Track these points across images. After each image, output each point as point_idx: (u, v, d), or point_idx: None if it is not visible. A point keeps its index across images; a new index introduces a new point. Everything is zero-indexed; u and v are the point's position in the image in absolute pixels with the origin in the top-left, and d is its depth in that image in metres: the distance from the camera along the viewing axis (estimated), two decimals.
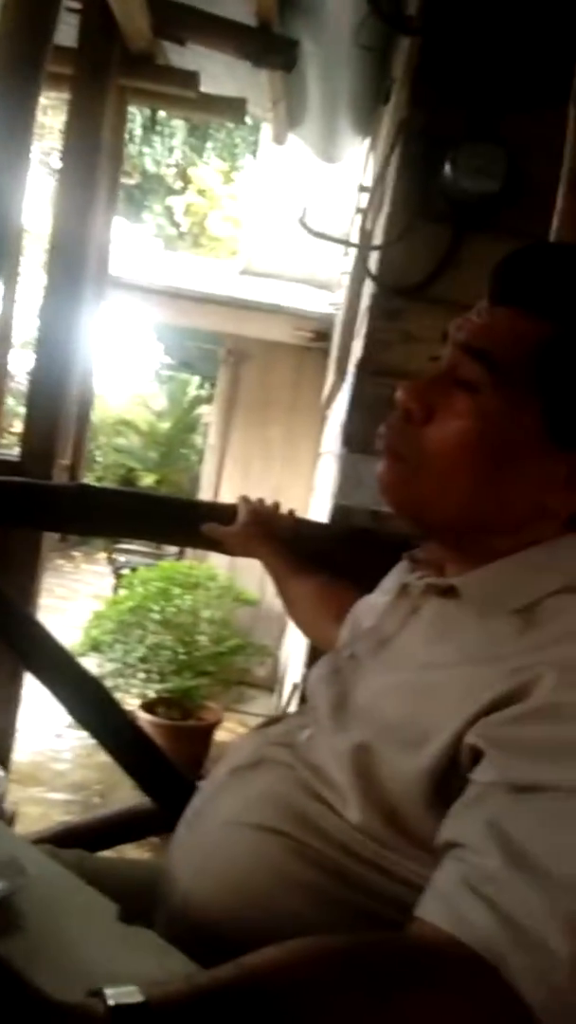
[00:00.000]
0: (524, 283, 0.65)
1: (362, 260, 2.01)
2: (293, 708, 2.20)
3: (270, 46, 2.28)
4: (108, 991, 0.42)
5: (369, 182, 2.30)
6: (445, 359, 0.69)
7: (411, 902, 0.53)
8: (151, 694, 3.42)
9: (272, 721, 0.84)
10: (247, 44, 2.28)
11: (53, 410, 2.35)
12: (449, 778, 0.58)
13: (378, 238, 1.87)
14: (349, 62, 2.20)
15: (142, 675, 3.33)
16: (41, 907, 0.61)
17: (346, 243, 2.06)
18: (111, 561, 6.60)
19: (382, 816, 0.62)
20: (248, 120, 3.11)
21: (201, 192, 11.27)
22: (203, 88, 2.63)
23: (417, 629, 0.72)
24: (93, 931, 0.59)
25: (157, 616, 3.41)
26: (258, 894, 0.65)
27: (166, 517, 1.49)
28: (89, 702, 1.58)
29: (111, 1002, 0.41)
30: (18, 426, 3.37)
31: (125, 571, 5.37)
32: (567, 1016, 0.47)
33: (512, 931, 0.47)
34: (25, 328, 5.35)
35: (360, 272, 2.18)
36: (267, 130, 3.39)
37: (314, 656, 1.21)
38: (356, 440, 1.78)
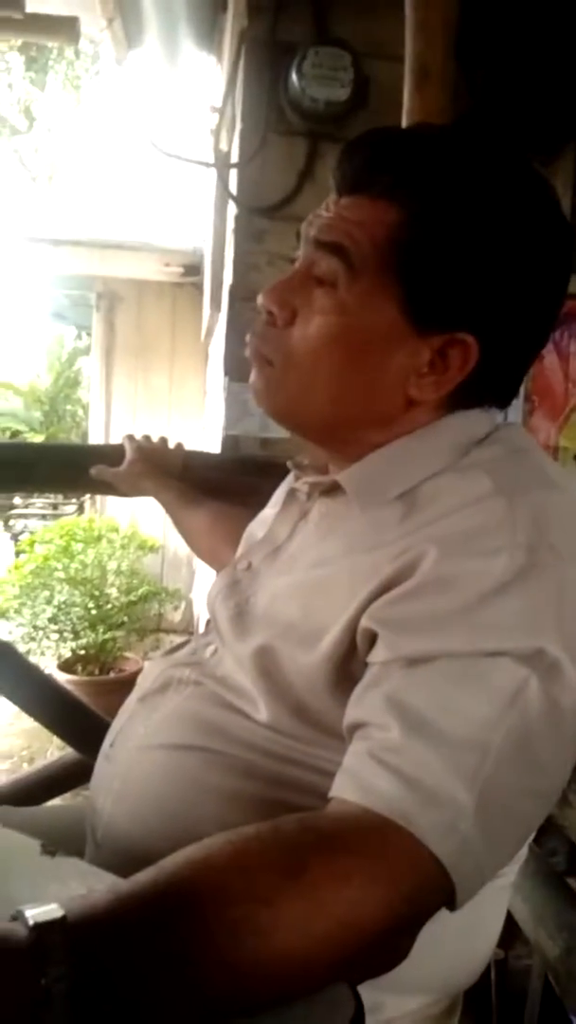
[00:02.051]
0: (368, 170, 0.65)
1: (222, 182, 1.96)
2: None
3: None
4: (28, 912, 0.42)
5: (219, 100, 2.22)
6: (301, 258, 0.68)
7: (326, 789, 0.55)
8: (66, 653, 3.37)
9: (177, 647, 0.85)
10: None
11: None
12: (349, 665, 0.60)
13: (234, 157, 1.82)
14: None
15: (55, 635, 3.28)
16: None
17: (201, 163, 2.00)
18: (7, 528, 6.39)
19: (290, 711, 0.64)
20: (85, 44, 2.93)
21: (49, 129, 10.62)
22: (30, 9, 2.44)
23: (307, 531, 0.74)
24: (16, 868, 0.59)
25: (62, 574, 3.34)
26: (179, 808, 0.66)
27: (50, 464, 1.44)
28: (2, 668, 1.54)
29: (31, 921, 0.41)
30: None
31: (24, 536, 5.21)
32: (475, 865, 0.51)
33: (417, 791, 0.50)
34: None
35: (222, 196, 2.12)
36: (109, 52, 3.20)
37: None
38: (237, 369, 1.76)
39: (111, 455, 1.31)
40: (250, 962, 0.45)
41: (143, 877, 0.46)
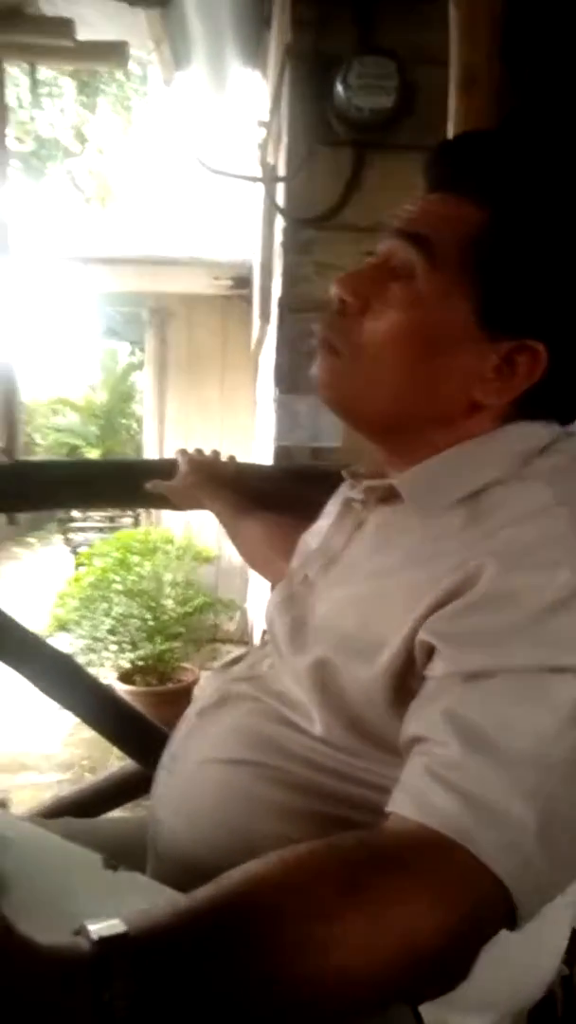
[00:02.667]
0: (460, 169, 0.65)
1: (269, 196, 1.97)
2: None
3: None
4: (91, 927, 0.42)
5: (266, 114, 2.24)
6: (380, 250, 0.68)
7: (381, 805, 0.54)
8: (125, 664, 3.42)
9: (234, 661, 0.85)
10: None
11: None
12: (407, 679, 0.60)
13: (281, 170, 1.83)
14: None
15: (113, 647, 3.33)
16: (25, 868, 0.62)
17: (249, 178, 2.02)
18: (67, 541, 6.53)
19: (346, 725, 0.63)
20: (134, 66, 2.99)
21: (100, 150, 10.87)
22: (81, 37, 2.51)
23: (363, 541, 0.73)
24: (80, 883, 0.60)
25: (119, 587, 3.40)
26: (235, 823, 0.66)
27: (107, 481, 1.47)
28: (63, 680, 1.57)
29: (94, 936, 0.42)
30: None
31: (83, 549, 5.31)
32: (537, 884, 0.50)
33: (477, 809, 0.49)
34: None
35: (269, 209, 2.14)
36: (157, 74, 3.27)
37: None
38: (287, 380, 1.77)
39: (165, 469, 1.33)
40: (308, 980, 0.44)
41: (201, 894, 0.46)
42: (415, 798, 0.51)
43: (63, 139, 10.45)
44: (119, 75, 8.92)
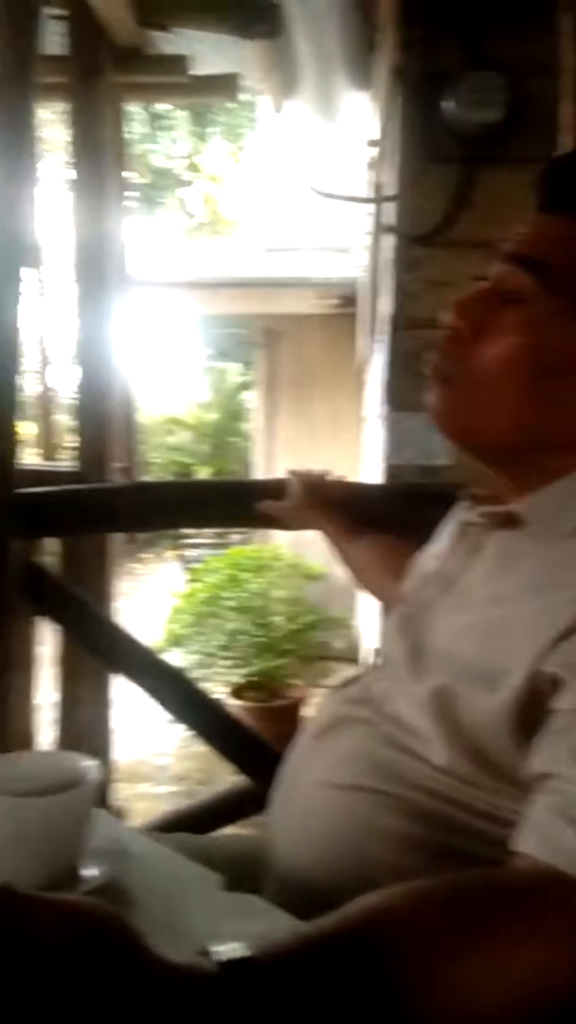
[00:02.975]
0: (570, 189, 0.63)
1: (379, 214, 1.98)
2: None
3: (252, 16, 2.25)
4: (217, 949, 0.43)
5: (375, 135, 2.26)
6: (491, 274, 0.67)
7: (499, 837, 0.53)
8: (237, 680, 3.47)
9: (349, 682, 0.85)
10: (229, 18, 2.26)
11: (101, 417, 2.40)
12: (531, 710, 0.58)
13: (391, 188, 1.83)
14: (333, 17, 2.16)
15: (225, 662, 3.39)
16: (146, 885, 0.64)
17: (358, 199, 2.03)
18: (180, 557, 6.71)
19: (467, 755, 0.62)
20: (245, 96, 3.09)
21: (212, 178, 11.23)
22: (195, 71, 2.61)
23: (481, 566, 0.71)
24: (199, 902, 0.61)
25: (231, 603, 3.46)
26: (350, 849, 0.66)
27: (221, 501, 1.51)
28: (177, 695, 1.62)
29: (221, 959, 0.42)
30: (69, 439, 3.44)
31: (195, 564, 5.45)
32: None
33: None
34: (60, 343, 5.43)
35: (378, 227, 2.14)
36: (267, 103, 3.35)
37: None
38: (397, 398, 1.76)
39: (275, 490, 1.35)
40: (431, 1020, 0.43)
41: (327, 924, 0.46)
42: (543, 838, 0.50)
43: (176, 169, 10.86)
44: (230, 104, 9.21)
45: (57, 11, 2.23)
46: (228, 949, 0.43)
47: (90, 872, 0.61)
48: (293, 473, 1.36)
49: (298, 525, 1.31)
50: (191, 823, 1.51)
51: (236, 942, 0.44)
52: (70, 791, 0.60)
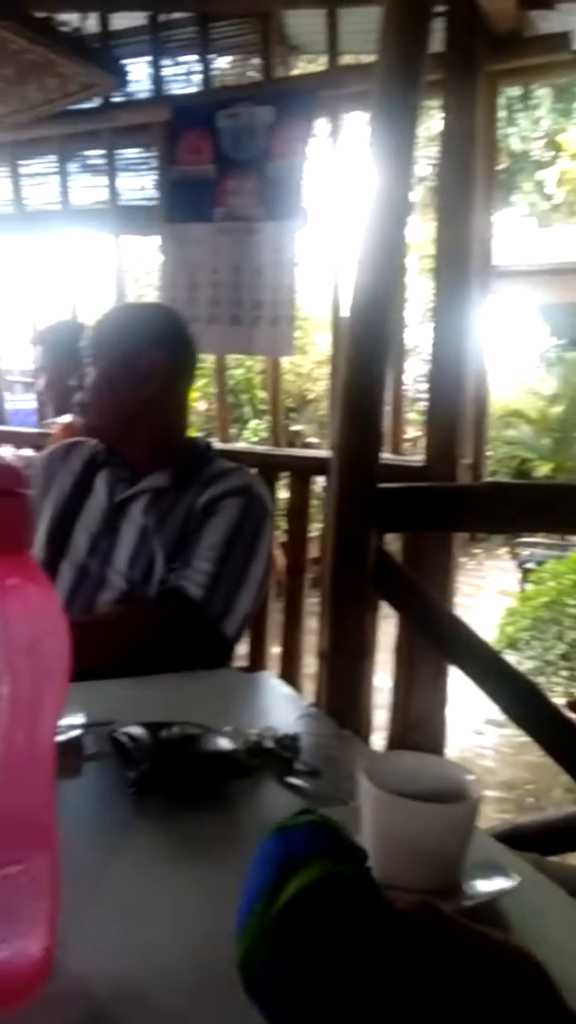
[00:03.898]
0: None
1: None
2: None
3: None
4: None
5: None
6: None
7: None
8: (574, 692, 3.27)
9: None
10: None
11: (452, 411, 2.39)
12: None
13: None
14: None
15: (565, 672, 3.21)
16: (525, 915, 0.61)
17: None
18: (515, 556, 6.50)
19: None
20: None
21: (574, 156, 10.57)
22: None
23: None
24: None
25: (574, 611, 3.26)
26: None
27: None
28: (520, 698, 1.57)
29: None
30: (411, 432, 3.50)
31: (530, 565, 5.24)
32: None
33: None
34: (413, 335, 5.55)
35: None
36: None
37: None
38: None
39: None
40: None
41: None
42: None
43: (533, 151, 10.44)
44: None
45: (439, 7, 2.23)
46: None
47: (470, 888, 0.60)
48: None
49: None
50: (535, 840, 1.45)
51: None
52: (460, 804, 0.59)
